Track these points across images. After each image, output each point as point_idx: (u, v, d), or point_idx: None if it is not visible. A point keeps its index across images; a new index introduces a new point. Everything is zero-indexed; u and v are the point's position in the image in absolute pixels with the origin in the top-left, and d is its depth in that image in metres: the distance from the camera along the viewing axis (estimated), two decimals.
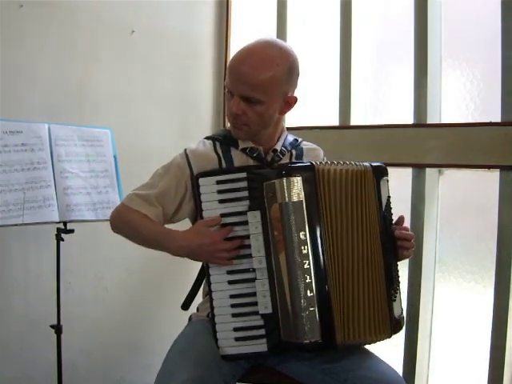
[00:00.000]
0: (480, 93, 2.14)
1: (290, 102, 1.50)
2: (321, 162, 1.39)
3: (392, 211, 1.46)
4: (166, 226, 1.54)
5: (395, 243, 1.44)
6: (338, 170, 1.38)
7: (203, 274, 1.54)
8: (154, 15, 2.58)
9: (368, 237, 1.38)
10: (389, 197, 1.45)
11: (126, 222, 1.53)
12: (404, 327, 2.18)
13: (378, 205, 1.41)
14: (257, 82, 1.39)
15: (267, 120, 1.48)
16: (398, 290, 1.44)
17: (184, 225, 1.57)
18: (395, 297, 1.42)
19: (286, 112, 1.53)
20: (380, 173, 1.44)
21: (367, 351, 1.46)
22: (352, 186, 1.38)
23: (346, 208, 1.37)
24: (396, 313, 1.42)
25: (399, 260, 1.47)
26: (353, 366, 1.38)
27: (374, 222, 1.40)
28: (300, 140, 1.64)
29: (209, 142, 1.57)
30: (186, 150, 1.54)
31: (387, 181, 1.46)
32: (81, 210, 2.00)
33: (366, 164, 1.42)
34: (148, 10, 2.55)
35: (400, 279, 1.46)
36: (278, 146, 1.56)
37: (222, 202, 1.39)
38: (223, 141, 1.55)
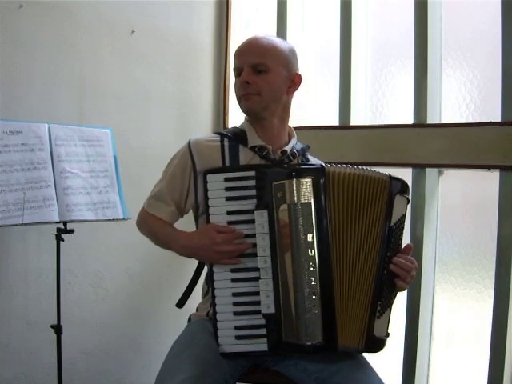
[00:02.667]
0: (480, 93, 2.14)
1: (296, 81, 1.56)
2: (332, 165, 1.38)
3: (403, 231, 1.42)
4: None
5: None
6: (352, 173, 1.36)
7: (199, 274, 1.55)
8: (154, 15, 2.58)
9: (366, 247, 1.36)
10: (403, 215, 1.41)
11: (146, 227, 1.61)
12: (404, 327, 2.22)
13: (385, 219, 1.37)
14: (263, 48, 1.51)
15: (276, 91, 1.53)
16: (387, 310, 1.39)
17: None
18: (380, 314, 1.38)
19: (292, 92, 1.58)
20: (397, 188, 1.39)
21: (366, 365, 1.44)
22: (362, 192, 1.36)
23: (353, 213, 1.36)
24: (377, 331, 1.37)
25: (395, 290, 1.42)
26: (345, 380, 1.36)
27: (376, 234, 1.37)
28: (307, 150, 1.65)
29: (216, 135, 1.59)
30: (189, 140, 1.57)
31: (406, 199, 1.43)
32: (81, 210, 2.00)
33: (385, 174, 1.40)
34: (148, 10, 2.55)
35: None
36: (288, 148, 1.56)
37: (229, 199, 1.39)
38: (232, 137, 1.56)
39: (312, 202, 1.33)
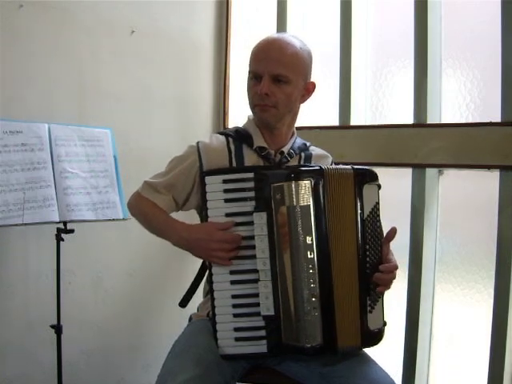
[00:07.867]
0: (480, 93, 2.14)
1: (310, 89, 1.57)
2: (329, 167, 1.39)
3: (379, 218, 1.41)
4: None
5: (380, 256, 1.39)
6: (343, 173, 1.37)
7: (203, 273, 1.55)
8: (154, 15, 2.58)
9: (346, 243, 1.36)
10: (377, 203, 1.40)
11: (138, 209, 1.60)
12: (404, 327, 2.22)
13: (355, 211, 1.36)
14: (286, 58, 1.47)
15: (293, 103, 1.52)
16: (378, 302, 1.39)
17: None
18: (372, 308, 1.38)
19: (305, 99, 1.58)
20: (362, 177, 1.38)
21: (367, 357, 1.45)
22: (338, 190, 1.36)
23: (340, 213, 1.36)
24: (372, 325, 1.37)
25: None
26: (349, 373, 1.37)
27: (350, 228, 1.36)
28: (309, 144, 1.65)
29: (222, 137, 1.58)
30: (198, 143, 1.55)
31: (377, 186, 1.41)
32: (81, 210, 2.00)
33: (348, 167, 1.39)
34: (148, 10, 2.55)
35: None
36: (286, 149, 1.57)
37: (227, 201, 1.38)
38: (236, 137, 1.56)
39: (311, 204, 1.32)
